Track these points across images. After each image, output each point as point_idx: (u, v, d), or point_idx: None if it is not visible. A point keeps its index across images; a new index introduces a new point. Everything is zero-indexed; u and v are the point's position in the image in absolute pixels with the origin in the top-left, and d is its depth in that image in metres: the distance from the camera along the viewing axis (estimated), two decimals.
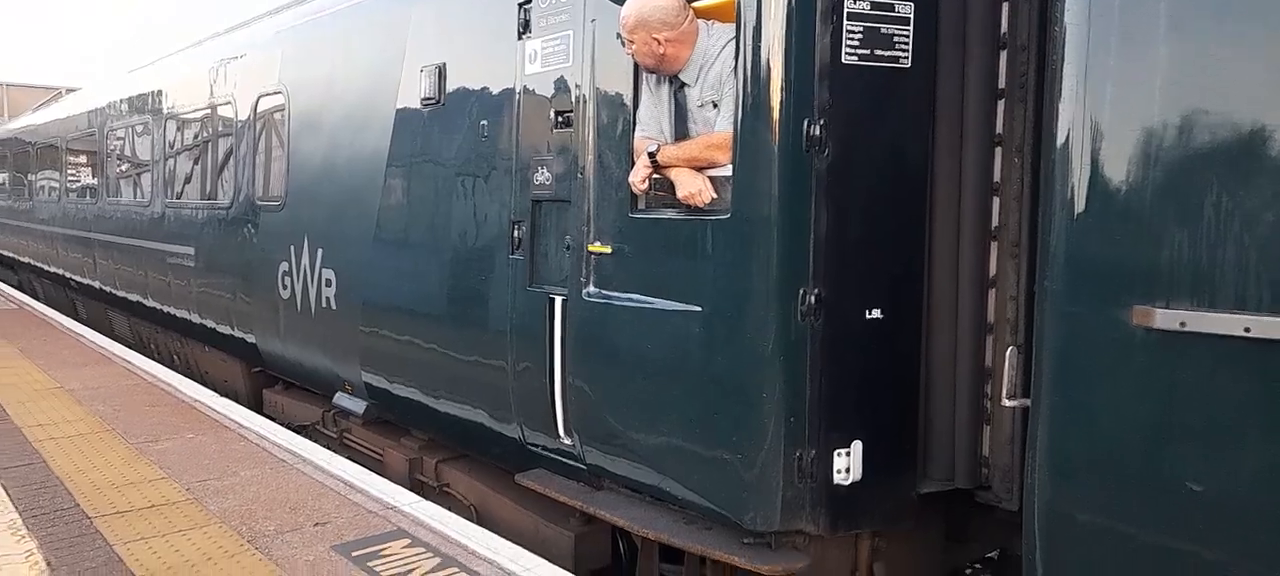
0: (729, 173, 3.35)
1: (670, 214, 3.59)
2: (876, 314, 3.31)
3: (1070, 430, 2.60)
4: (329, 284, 5.97)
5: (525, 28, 4.26)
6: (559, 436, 4.13)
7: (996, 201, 3.33)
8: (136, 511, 4.43)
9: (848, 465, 3.31)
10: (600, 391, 3.89)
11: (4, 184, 18.44)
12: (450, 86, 4.85)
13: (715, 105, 3.51)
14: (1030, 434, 2.74)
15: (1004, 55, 3.28)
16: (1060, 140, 2.58)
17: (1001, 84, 3.30)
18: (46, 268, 14.44)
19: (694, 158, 3.49)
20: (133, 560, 3.84)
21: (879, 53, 3.20)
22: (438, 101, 4.91)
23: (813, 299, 3.21)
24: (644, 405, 3.70)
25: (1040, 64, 3.03)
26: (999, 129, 3.31)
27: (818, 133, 3.16)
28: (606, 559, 4.44)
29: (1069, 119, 2.56)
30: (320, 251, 6.08)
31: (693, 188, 3.43)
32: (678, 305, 3.50)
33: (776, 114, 3.20)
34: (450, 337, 4.88)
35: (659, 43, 3.47)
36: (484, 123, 4.56)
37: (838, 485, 3.32)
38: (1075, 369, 2.59)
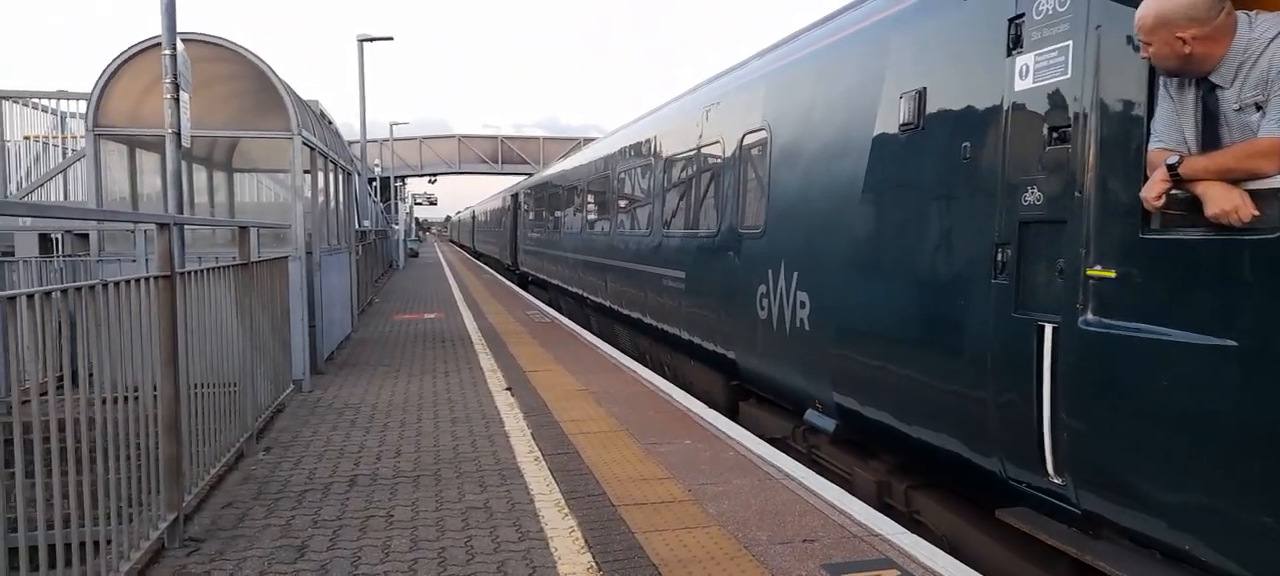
0: (1277, 185, 2.85)
1: (1194, 234, 3.15)
2: None
3: None
4: (803, 306, 6.31)
5: (1016, 42, 4.09)
6: (1047, 475, 3.85)
7: None
8: (650, 505, 4.87)
9: None
10: (1100, 430, 3.54)
11: (542, 220, 22.70)
12: (929, 109, 4.84)
13: (1258, 107, 3.00)
14: None
15: None
16: None
17: None
18: (568, 288, 17.42)
19: (1228, 168, 3.02)
20: (651, 549, 4.20)
21: None
22: (916, 126, 4.93)
23: None
24: (1157, 450, 3.28)
25: None
26: None
27: None
28: None
29: None
30: (796, 274, 6.45)
31: (1227, 204, 2.97)
32: (1204, 339, 3.06)
33: None
34: (925, 363, 4.84)
35: (1184, 42, 3.09)
36: (965, 144, 4.47)
37: None
38: None
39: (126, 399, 3.91)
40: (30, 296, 3.25)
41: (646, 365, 10.77)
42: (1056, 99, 3.81)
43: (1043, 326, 3.81)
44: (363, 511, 4.86)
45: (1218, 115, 3.18)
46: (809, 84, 6.63)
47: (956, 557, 4.46)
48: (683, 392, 8.35)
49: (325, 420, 7.18)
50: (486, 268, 35.94)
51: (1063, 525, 3.86)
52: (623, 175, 12.98)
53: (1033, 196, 3.93)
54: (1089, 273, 3.57)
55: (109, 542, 3.61)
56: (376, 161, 43.98)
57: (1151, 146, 3.30)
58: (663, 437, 6.47)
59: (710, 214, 8.69)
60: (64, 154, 13.64)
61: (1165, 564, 3.39)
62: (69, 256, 10.79)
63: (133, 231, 9.47)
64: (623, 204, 13.14)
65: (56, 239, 11.98)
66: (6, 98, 13.06)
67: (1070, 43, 3.73)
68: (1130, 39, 3.37)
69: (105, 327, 3.79)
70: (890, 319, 5.20)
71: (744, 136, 7.78)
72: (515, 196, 29.30)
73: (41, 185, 13.13)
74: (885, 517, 4.72)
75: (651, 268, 10.66)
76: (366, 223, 22.05)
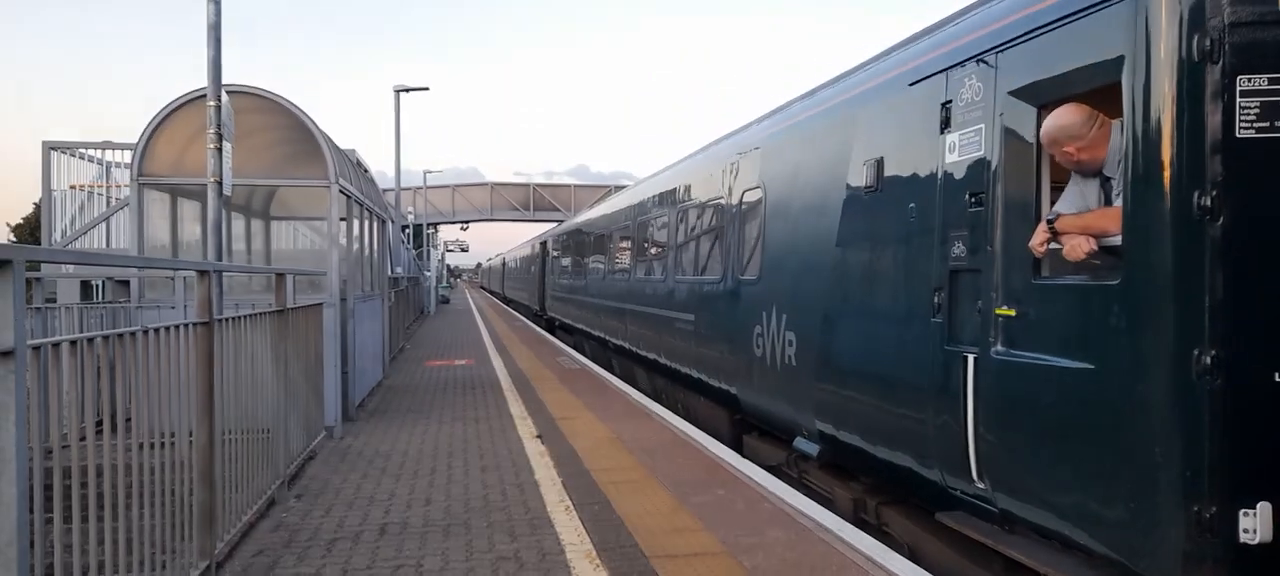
0: (1117, 243, 3.67)
1: (1068, 280, 3.97)
2: None
3: None
4: (790, 344, 7.12)
5: (946, 123, 4.95)
6: (974, 481, 4.62)
7: None
8: (683, 557, 4.83)
9: (1255, 526, 3.32)
10: (1006, 441, 4.33)
11: (567, 267, 23.67)
12: (886, 175, 5.69)
13: None
14: None
15: None
16: None
17: None
18: (592, 332, 18.27)
19: (1088, 226, 3.88)
20: None
21: None
22: (876, 188, 5.78)
23: (1208, 360, 3.35)
24: (1045, 454, 4.06)
25: None
26: None
27: (1209, 203, 3.35)
28: None
29: None
30: (784, 316, 7.28)
31: (1078, 245, 3.84)
32: (1071, 363, 3.85)
33: (1166, 187, 3.46)
34: (883, 391, 5.63)
35: (1072, 153, 4.02)
36: (912, 205, 5.31)
37: (1244, 544, 3.34)
38: None
39: (162, 444, 3.88)
40: (73, 342, 3.24)
41: (662, 403, 11.53)
42: (974, 169, 4.65)
43: (967, 356, 4.61)
44: (392, 560, 4.85)
45: (1111, 200, 4.05)
46: (795, 149, 7.52)
47: (916, 561, 5.18)
48: (714, 441, 8.51)
49: (356, 467, 7.22)
50: (517, 314, 36.81)
51: (988, 524, 4.62)
52: (640, 225, 13.90)
53: (959, 249, 4.76)
54: (997, 311, 4.38)
55: None
56: (410, 208, 45.40)
57: (1058, 210, 4.15)
58: (695, 487, 6.46)
59: (716, 262, 9.54)
60: (108, 202, 14.00)
61: (1061, 550, 4.14)
62: (109, 303, 10.69)
63: (172, 278, 9.50)
64: (640, 252, 14.02)
65: (97, 286, 12.09)
66: (56, 148, 13.50)
67: (982, 125, 4.58)
68: (1024, 127, 4.23)
69: (144, 374, 3.78)
70: (855, 353, 6.01)
71: (744, 193, 8.66)
72: (543, 244, 30.39)
73: (85, 233, 13.52)
74: (926, 572, 4.79)
75: (665, 311, 11.50)
76: (399, 269, 22.90)
